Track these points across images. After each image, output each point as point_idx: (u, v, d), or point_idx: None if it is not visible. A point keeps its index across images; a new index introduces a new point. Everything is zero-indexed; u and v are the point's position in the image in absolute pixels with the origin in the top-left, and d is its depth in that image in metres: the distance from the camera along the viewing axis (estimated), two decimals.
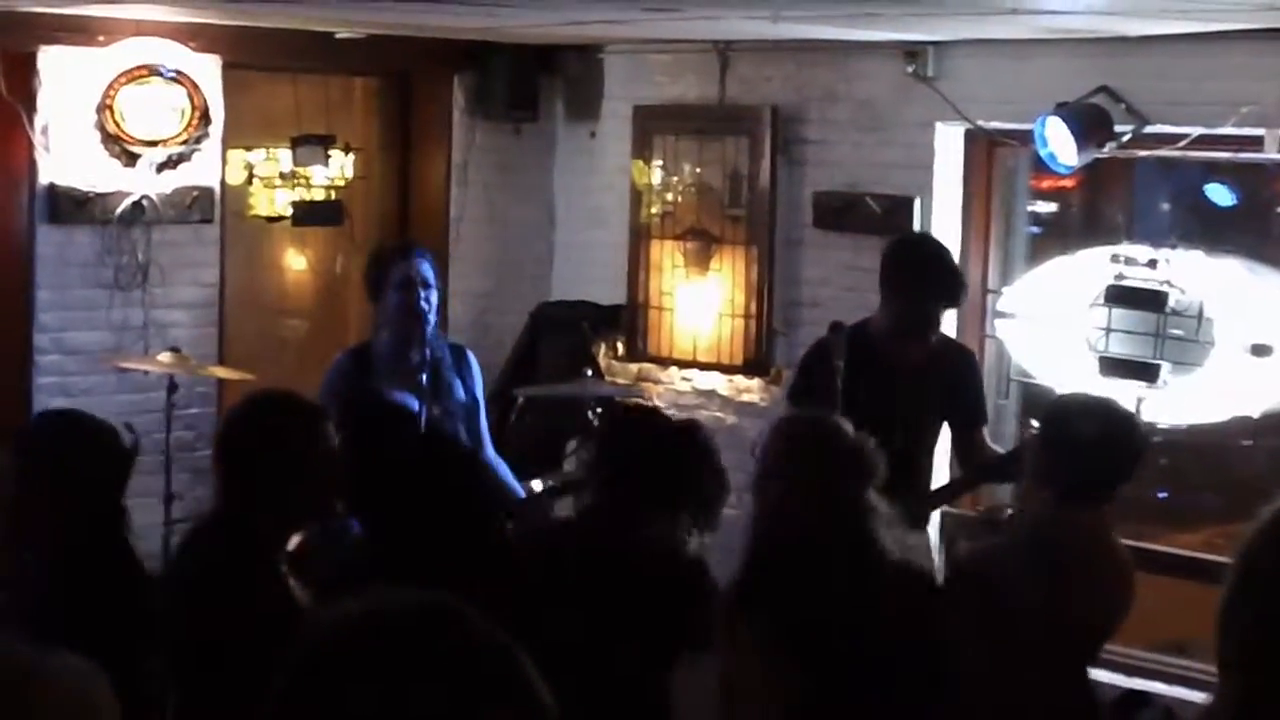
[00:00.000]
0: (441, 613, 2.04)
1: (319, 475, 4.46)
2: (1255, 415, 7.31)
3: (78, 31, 8.28)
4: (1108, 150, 7.53)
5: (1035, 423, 5.78)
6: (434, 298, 6.68)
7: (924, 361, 6.50)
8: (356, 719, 1.96)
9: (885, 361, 6.41)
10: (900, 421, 5.94)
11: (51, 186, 8.32)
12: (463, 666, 1.99)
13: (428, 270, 6.68)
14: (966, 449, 6.80)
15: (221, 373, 8.44)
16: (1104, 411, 5.28)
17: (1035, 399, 7.73)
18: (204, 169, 8.69)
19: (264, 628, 3.69)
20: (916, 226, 8.26)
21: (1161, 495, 8.98)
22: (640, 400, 8.17)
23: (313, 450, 4.45)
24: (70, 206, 8.35)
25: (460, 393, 6.71)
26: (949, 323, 7.34)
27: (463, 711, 1.97)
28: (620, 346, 9.63)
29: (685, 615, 4.78)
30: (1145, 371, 7.32)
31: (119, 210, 8.43)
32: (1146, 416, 7.39)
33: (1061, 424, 5.28)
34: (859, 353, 6.37)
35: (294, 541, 5.58)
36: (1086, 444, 5.11)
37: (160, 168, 8.51)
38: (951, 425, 6.79)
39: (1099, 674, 5.58)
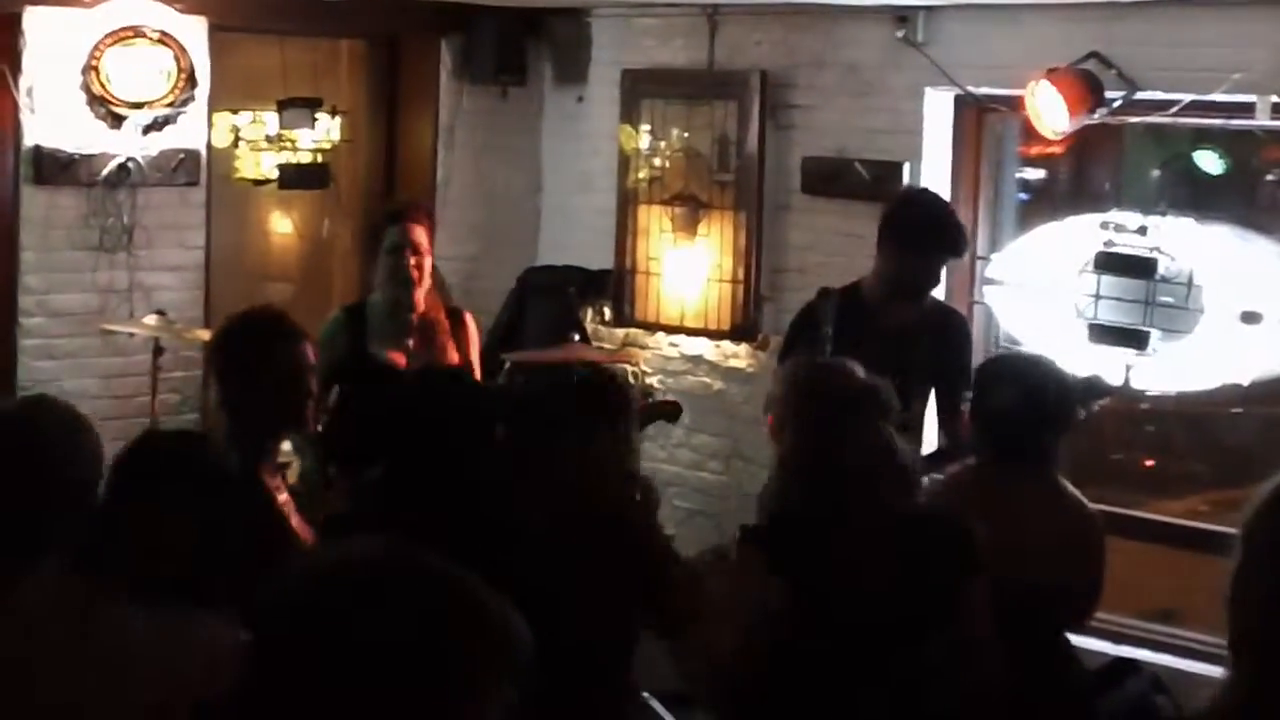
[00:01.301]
0: (408, 559, 2.18)
1: (291, 388, 4.88)
2: (1245, 383, 7.30)
3: None
4: (1098, 116, 7.51)
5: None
6: (426, 263, 6.76)
7: (915, 323, 6.47)
8: (337, 654, 2.09)
9: (875, 323, 6.37)
10: (891, 383, 5.84)
11: (37, 148, 8.26)
12: (430, 604, 2.12)
13: (420, 235, 6.75)
14: (950, 414, 6.75)
15: (207, 336, 8.38)
16: (1021, 373, 5.27)
17: None
18: (190, 131, 8.64)
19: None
20: None
21: (1150, 463, 8.99)
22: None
23: (285, 365, 4.89)
24: (55, 168, 8.30)
25: (453, 355, 6.78)
26: (938, 289, 7.33)
27: (432, 642, 2.09)
28: (607, 312, 9.60)
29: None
30: (1134, 338, 7.31)
31: (104, 172, 8.39)
32: (1135, 384, 7.40)
33: (982, 390, 5.28)
34: (849, 314, 6.34)
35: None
36: (1004, 408, 5.11)
37: (146, 130, 8.46)
38: (937, 389, 6.75)
39: (1086, 642, 5.58)
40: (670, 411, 8.33)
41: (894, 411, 4.61)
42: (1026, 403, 5.15)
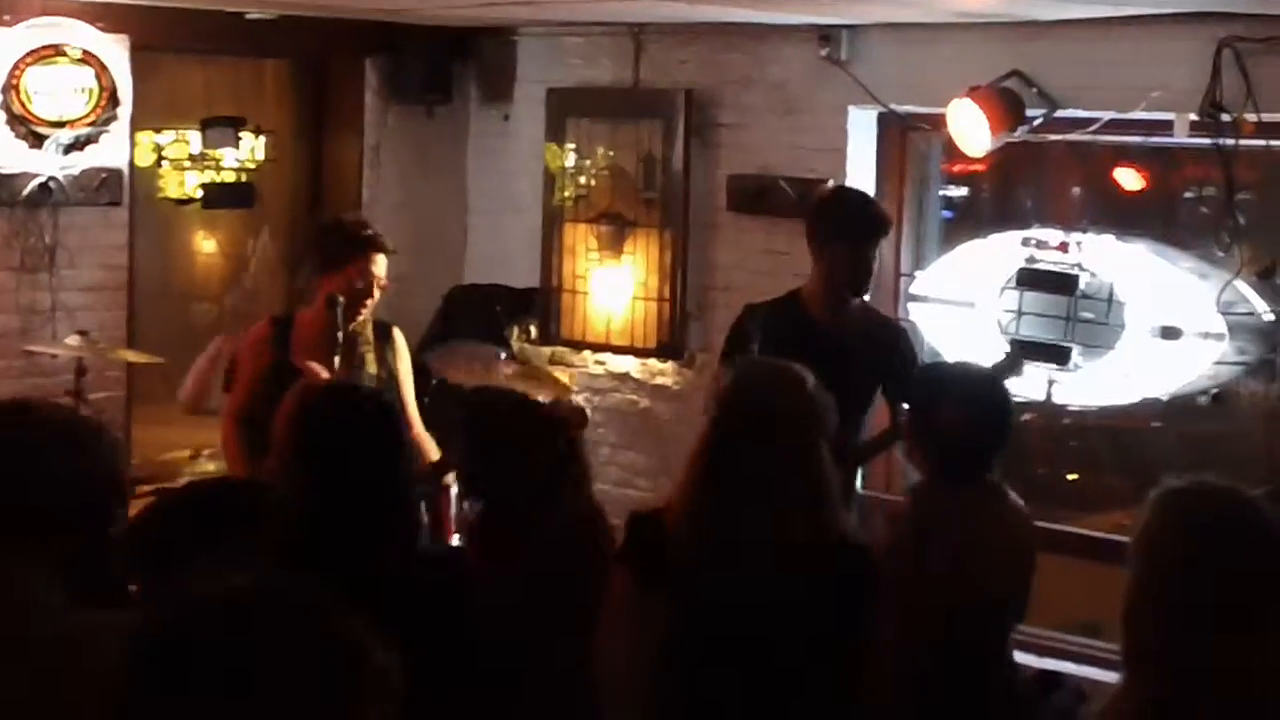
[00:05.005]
0: (281, 593, 2.25)
1: None
2: (1164, 398, 7.37)
3: None
4: (1019, 134, 7.58)
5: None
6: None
7: (858, 328, 6.51)
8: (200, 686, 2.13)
9: (818, 333, 6.39)
10: (837, 387, 5.72)
11: None
12: (302, 641, 2.18)
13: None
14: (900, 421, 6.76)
15: (130, 356, 8.36)
16: (969, 394, 5.28)
17: None
18: (112, 151, 8.59)
19: None
20: None
21: (1071, 477, 9.05)
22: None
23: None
24: None
25: (372, 367, 6.86)
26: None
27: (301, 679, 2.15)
28: (534, 330, 9.60)
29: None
30: (1056, 354, 7.36)
31: (25, 192, 8.32)
32: (1057, 399, 7.46)
33: (928, 410, 5.30)
34: (789, 326, 6.36)
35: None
36: (948, 427, 5.13)
37: (68, 149, 8.40)
38: (887, 397, 6.77)
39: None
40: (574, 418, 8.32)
41: (832, 429, 4.55)
42: (979, 425, 5.17)
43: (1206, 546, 3.01)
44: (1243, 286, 7.17)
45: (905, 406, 5.69)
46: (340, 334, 6.67)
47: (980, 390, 5.33)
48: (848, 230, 6.63)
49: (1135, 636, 3.01)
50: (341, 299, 6.69)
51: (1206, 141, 7.08)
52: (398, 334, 7.05)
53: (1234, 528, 3.05)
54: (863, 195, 7.18)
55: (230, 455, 6.84)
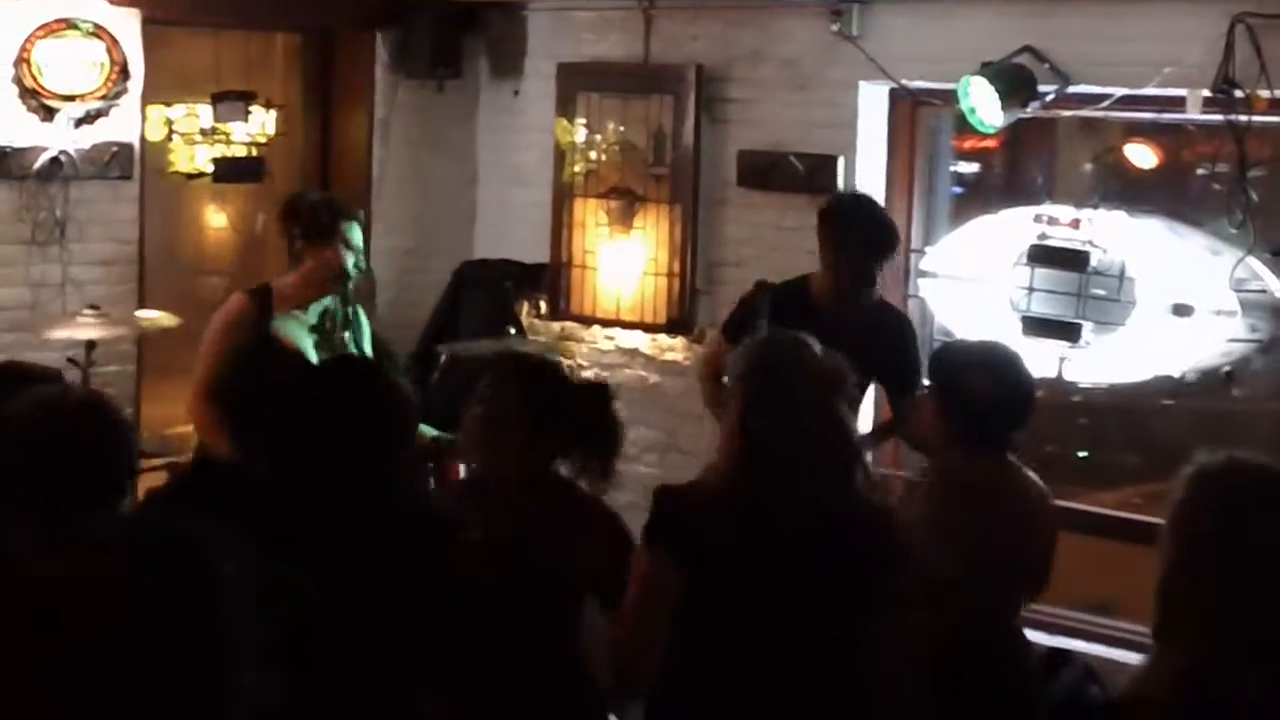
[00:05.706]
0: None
1: None
2: (1176, 375, 7.36)
3: None
4: (1031, 110, 7.55)
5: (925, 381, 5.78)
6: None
7: (862, 322, 6.50)
8: None
9: (822, 323, 6.39)
10: None
11: None
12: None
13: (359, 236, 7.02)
14: (903, 412, 6.77)
15: (144, 321, 8.35)
16: (988, 362, 5.28)
17: None
18: (123, 125, 8.59)
19: None
20: (840, 186, 8.26)
21: (1082, 455, 9.04)
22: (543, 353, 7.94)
23: None
24: None
25: (351, 346, 7.02)
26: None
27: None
28: (543, 305, 9.60)
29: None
30: (1067, 331, 7.35)
31: (36, 166, 8.32)
32: (1068, 376, 7.45)
33: (950, 381, 5.29)
34: (796, 312, 6.36)
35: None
36: (977, 397, 5.13)
37: (78, 123, 8.40)
38: (888, 389, 6.79)
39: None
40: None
41: (853, 395, 4.63)
42: (1008, 397, 5.18)
43: (1243, 520, 3.03)
44: (1255, 263, 7.15)
45: (927, 384, 5.67)
46: (345, 310, 6.74)
47: (1009, 364, 5.33)
48: (852, 244, 6.66)
49: (1169, 611, 3.01)
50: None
51: (1219, 118, 7.06)
52: (363, 314, 7.21)
53: (1270, 501, 3.06)
54: (871, 210, 7.08)
55: (201, 427, 6.71)
